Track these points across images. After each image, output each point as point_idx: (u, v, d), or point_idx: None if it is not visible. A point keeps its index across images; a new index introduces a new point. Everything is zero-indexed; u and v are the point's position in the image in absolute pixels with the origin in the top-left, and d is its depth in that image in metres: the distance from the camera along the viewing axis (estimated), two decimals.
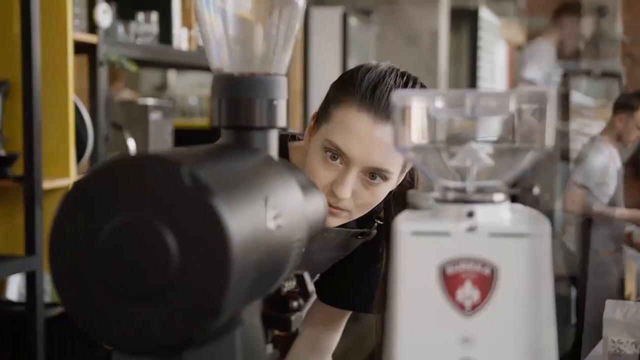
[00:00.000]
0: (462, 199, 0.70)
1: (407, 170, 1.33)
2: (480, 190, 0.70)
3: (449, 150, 0.71)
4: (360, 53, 5.40)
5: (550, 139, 0.68)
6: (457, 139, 0.72)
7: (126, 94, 3.99)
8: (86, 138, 2.60)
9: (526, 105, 0.68)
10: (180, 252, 0.60)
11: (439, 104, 0.70)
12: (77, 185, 0.63)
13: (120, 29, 3.00)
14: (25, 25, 2.37)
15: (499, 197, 0.70)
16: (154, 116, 3.17)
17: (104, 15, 2.68)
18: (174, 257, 0.60)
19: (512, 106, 0.68)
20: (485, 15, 7.70)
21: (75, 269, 0.63)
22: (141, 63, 3.23)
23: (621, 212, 4.43)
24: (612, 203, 4.35)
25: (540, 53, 4.40)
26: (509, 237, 0.67)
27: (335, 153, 1.25)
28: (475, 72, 7.64)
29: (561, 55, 4.59)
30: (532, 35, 9.79)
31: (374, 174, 1.25)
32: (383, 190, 1.28)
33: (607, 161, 4.33)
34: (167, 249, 0.60)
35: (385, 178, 1.25)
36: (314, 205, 0.84)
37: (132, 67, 2.81)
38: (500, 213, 0.70)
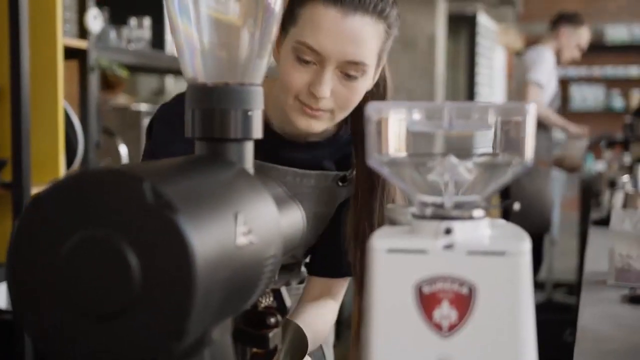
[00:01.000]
0: (440, 215, 0.67)
1: (382, 64, 1.31)
2: (459, 205, 0.68)
3: (427, 165, 0.68)
4: None
5: (530, 154, 0.66)
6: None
7: (122, 99, 3.97)
8: (76, 144, 2.57)
9: (505, 119, 0.66)
10: (143, 271, 0.57)
11: (416, 116, 0.67)
12: (38, 198, 0.60)
13: (113, 34, 2.98)
14: (14, 30, 2.34)
15: (478, 213, 0.68)
16: (147, 122, 3.14)
17: (95, 20, 2.65)
18: (136, 276, 0.57)
19: (491, 120, 0.65)
20: (484, 20, 7.68)
21: (35, 285, 0.60)
22: (134, 68, 3.20)
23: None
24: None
25: (544, 58, 4.48)
26: (488, 255, 0.65)
27: (307, 54, 1.22)
28: (473, 77, 7.62)
29: (559, 62, 4.66)
30: (530, 41, 9.80)
31: (350, 71, 1.23)
32: (361, 86, 1.25)
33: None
34: (128, 267, 0.57)
35: (362, 72, 1.23)
36: (290, 219, 0.81)
37: (123, 73, 2.78)
38: (479, 230, 0.67)
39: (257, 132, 0.79)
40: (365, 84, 1.27)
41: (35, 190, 2.40)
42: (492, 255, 0.64)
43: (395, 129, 0.68)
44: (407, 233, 0.69)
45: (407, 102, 0.68)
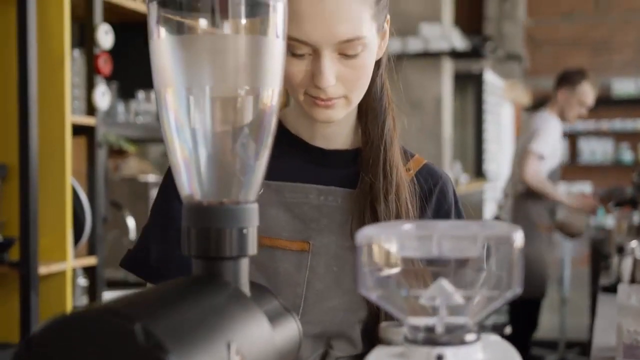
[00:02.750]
0: (432, 340, 0.68)
1: (386, 25, 1.22)
2: (450, 329, 0.68)
3: (418, 289, 0.69)
4: None
5: (519, 283, 0.66)
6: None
7: (133, 163, 4.00)
8: (84, 220, 2.59)
9: (494, 246, 0.67)
10: None
11: (406, 243, 0.68)
12: (29, 341, 0.61)
13: (121, 107, 3.02)
14: (23, 109, 2.38)
15: (470, 337, 0.68)
16: (155, 193, 3.17)
17: (103, 97, 2.69)
18: None
19: (478, 249, 0.66)
20: (490, 77, 7.75)
21: None
22: (141, 140, 3.24)
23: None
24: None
25: (549, 127, 4.48)
26: None
27: (298, 47, 1.13)
28: (481, 134, 7.66)
29: (564, 121, 4.67)
30: (537, 96, 9.87)
31: (347, 50, 1.13)
32: (367, 60, 1.16)
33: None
34: None
35: (362, 46, 1.14)
36: (285, 334, 0.82)
37: (130, 148, 2.82)
38: (472, 355, 0.67)
39: (252, 248, 0.80)
40: (371, 55, 1.18)
41: (42, 269, 2.41)
42: None
43: (384, 254, 0.69)
44: (400, 357, 0.69)
45: (397, 228, 0.69)
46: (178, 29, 0.78)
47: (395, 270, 0.70)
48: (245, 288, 0.79)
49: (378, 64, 1.26)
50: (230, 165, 0.81)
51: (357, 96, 1.20)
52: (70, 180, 2.52)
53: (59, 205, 2.50)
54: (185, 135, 0.80)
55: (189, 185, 0.81)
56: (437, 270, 0.69)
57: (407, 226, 0.71)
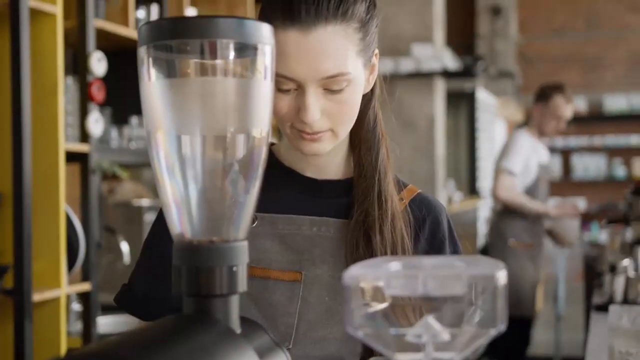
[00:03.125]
0: None
1: (374, 60, 1.24)
2: None
3: (405, 326, 0.70)
4: None
5: (503, 320, 0.68)
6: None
7: (128, 186, 4.00)
8: (78, 247, 2.60)
9: (478, 286, 0.68)
10: None
11: (392, 282, 0.69)
12: None
13: (114, 133, 3.03)
14: (17, 136, 2.39)
15: None
16: (149, 217, 3.18)
17: (96, 124, 2.71)
18: None
19: (463, 287, 0.68)
20: (482, 96, 7.79)
21: None
22: (135, 165, 3.25)
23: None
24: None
25: (518, 144, 4.51)
26: None
27: (284, 83, 1.14)
28: (474, 152, 7.69)
29: (543, 136, 4.67)
30: (529, 112, 9.93)
31: (332, 86, 1.15)
32: (352, 95, 1.18)
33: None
34: None
35: (346, 82, 1.16)
36: None
37: (124, 175, 2.83)
38: None
39: (242, 285, 0.81)
40: (357, 90, 1.19)
41: (36, 296, 2.42)
42: None
43: (372, 293, 0.70)
44: None
45: (383, 267, 0.71)
46: (168, 72, 0.80)
47: (382, 307, 0.71)
48: (236, 325, 0.80)
49: (370, 96, 1.28)
50: (220, 205, 0.82)
51: (344, 129, 1.21)
52: (64, 207, 2.53)
53: (53, 232, 2.50)
54: (176, 175, 0.81)
55: (179, 224, 0.82)
56: (424, 307, 0.71)
57: (394, 265, 0.72)
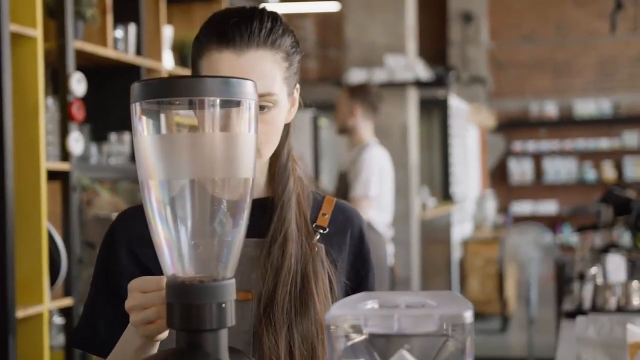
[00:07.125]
0: None
1: (296, 96, 1.33)
2: None
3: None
4: (330, 152, 5.50)
5: (471, 354, 0.75)
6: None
7: (106, 198, 4.03)
8: (60, 263, 2.65)
9: (448, 324, 0.75)
10: None
11: (369, 321, 0.77)
12: None
13: (94, 149, 3.08)
14: None
15: None
16: None
17: (77, 143, 2.76)
18: None
19: (433, 325, 0.75)
20: (455, 102, 7.89)
21: None
22: (115, 180, 3.30)
23: None
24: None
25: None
26: None
27: None
28: (447, 158, 7.78)
29: None
30: (502, 117, 10.06)
31: (260, 102, 1.20)
32: (276, 117, 1.26)
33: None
34: None
35: (273, 102, 1.25)
36: None
37: (104, 192, 2.88)
38: None
39: (231, 319, 0.88)
40: (281, 114, 1.28)
41: (19, 312, 2.46)
42: None
43: (349, 331, 0.77)
44: None
45: (361, 309, 0.78)
46: (159, 127, 0.87)
47: (359, 343, 0.78)
48: (225, 357, 0.87)
49: (287, 129, 1.35)
50: (209, 247, 0.89)
51: (268, 150, 1.28)
52: (46, 225, 2.58)
53: (35, 250, 2.55)
54: (168, 220, 0.88)
55: (172, 265, 0.89)
56: (399, 342, 0.78)
57: (370, 304, 0.79)
